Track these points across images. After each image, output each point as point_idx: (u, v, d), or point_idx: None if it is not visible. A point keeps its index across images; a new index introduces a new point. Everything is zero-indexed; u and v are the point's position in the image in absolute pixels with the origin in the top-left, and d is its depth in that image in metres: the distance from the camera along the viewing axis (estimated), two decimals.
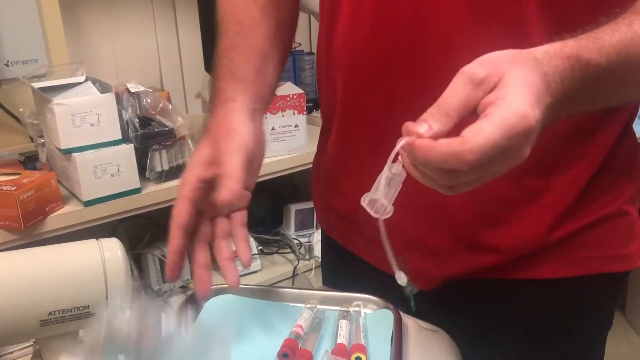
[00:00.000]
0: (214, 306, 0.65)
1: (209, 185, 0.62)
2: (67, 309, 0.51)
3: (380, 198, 0.47)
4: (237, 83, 0.70)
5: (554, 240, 0.66)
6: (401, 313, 0.64)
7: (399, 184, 0.47)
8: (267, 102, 0.75)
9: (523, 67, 0.45)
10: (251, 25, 0.75)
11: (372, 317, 0.63)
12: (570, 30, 0.50)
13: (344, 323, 0.60)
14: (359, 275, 0.77)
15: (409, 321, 0.64)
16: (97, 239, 0.54)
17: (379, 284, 0.71)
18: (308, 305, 0.63)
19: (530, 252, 0.67)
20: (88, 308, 0.52)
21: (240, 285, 0.66)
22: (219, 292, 0.66)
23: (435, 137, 0.42)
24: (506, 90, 0.43)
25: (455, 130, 0.43)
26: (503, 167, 0.45)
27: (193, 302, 0.64)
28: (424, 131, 0.42)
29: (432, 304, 0.73)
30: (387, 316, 0.63)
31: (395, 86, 0.64)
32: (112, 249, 0.53)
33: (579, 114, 0.54)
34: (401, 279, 0.58)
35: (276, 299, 0.65)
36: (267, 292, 0.66)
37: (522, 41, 0.53)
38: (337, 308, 0.64)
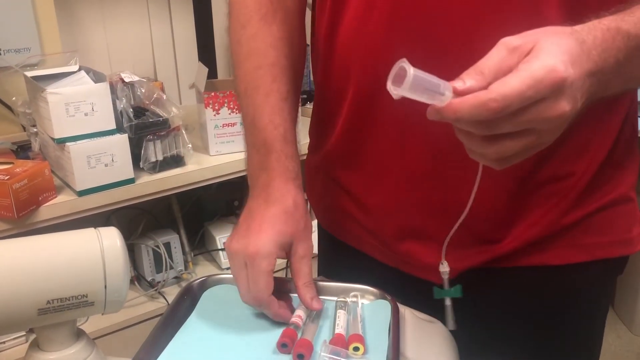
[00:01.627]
0: (211, 296, 0.65)
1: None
2: (66, 298, 0.50)
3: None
4: (291, 148, 0.67)
5: (565, 225, 0.67)
6: (398, 304, 0.64)
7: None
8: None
9: (559, 35, 0.47)
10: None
11: (369, 307, 0.64)
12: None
13: (341, 313, 0.60)
14: (355, 267, 0.77)
15: (406, 312, 0.64)
16: (95, 228, 0.53)
17: (375, 275, 0.71)
18: None
19: (540, 239, 0.68)
20: (87, 297, 0.51)
21: None
22: (216, 282, 0.66)
23: (469, 91, 0.45)
24: (538, 51, 0.45)
25: None
26: (544, 124, 0.46)
27: (190, 292, 0.64)
28: (458, 85, 0.45)
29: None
30: (384, 307, 0.63)
31: None
32: (110, 238, 0.53)
33: (626, 89, 0.55)
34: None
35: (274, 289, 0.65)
36: None
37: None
38: (335, 298, 0.64)
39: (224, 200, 1.79)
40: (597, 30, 0.48)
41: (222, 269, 1.63)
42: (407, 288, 0.72)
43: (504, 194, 0.66)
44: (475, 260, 0.70)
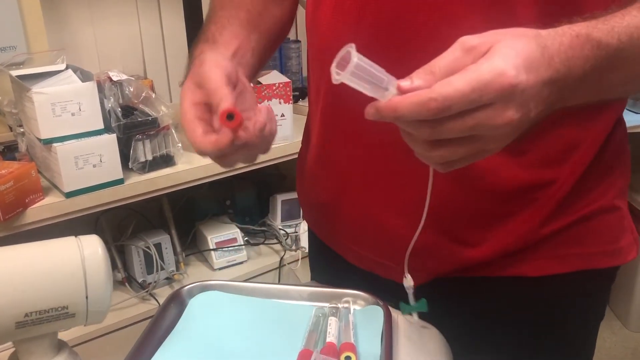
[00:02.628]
0: (198, 303, 0.63)
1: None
2: (45, 310, 0.48)
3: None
4: (213, 44, 0.66)
5: (544, 235, 0.65)
6: (391, 309, 0.62)
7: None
8: (249, 64, 0.69)
9: (520, 38, 0.44)
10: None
11: (361, 313, 0.62)
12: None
13: (333, 321, 0.59)
14: (342, 270, 0.75)
15: (399, 317, 0.63)
16: (76, 236, 0.51)
17: (362, 280, 0.70)
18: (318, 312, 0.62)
19: (519, 248, 0.66)
20: (67, 308, 0.50)
21: (226, 282, 0.65)
22: (204, 288, 0.64)
23: (415, 90, 0.43)
24: (492, 53, 0.42)
25: None
26: (490, 131, 0.44)
27: (177, 299, 0.62)
28: (404, 84, 0.43)
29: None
30: (376, 312, 0.61)
31: None
32: (91, 246, 0.51)
33: (592, 101, 0.53)
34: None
35: (263, 295, 0.64)
36: (253, 289, 0.65)
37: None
38: (326, 304, 0.63)
39: (215, 199, 1.77)
40: (565, 36, 0.46)
41: (215, 269, 1.61)
42: (396, 291, 0.71)
43: (475, 196, 0.64)
44: (450, 264, 0.68)
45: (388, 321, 0.59)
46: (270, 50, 0.78)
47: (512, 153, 0.62)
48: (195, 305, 0.62)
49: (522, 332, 0.70)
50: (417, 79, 0.43)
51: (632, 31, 0.48)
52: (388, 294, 0.69)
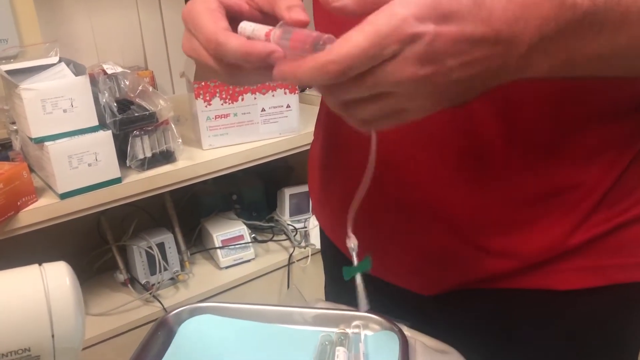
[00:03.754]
0: (189, 330, 0.56)
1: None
2: (3, 354, 0.41)
3: None
4: None
5: (575, 244, 0.58)
6: (408, 332, 0.55)
7: None
8: None
9: None
10: None
11: (374, 340, 0.55)
12: None
13: (341, 351, 0.51)
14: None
15: (417, 343, 0.55)
16: (39, 264, 0.44)
17: (381, 294, 0.63)
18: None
19: (546, 258, 0.59)
20: (29, 350, 0.43)
21: (219, 304, 0.58)
22: (195, 312, 0.57)
23: (343, 10, 0.39)
24: None
25: None
26: (396, 88, 0.38)
27: (164, 326, 0.55)
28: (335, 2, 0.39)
29: (439, 314, 0.66)
30: (391, 338, 0.54)
31: None
32: (57, 276, 0.44)
33: (576, 74, 0.44)
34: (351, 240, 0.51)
35: (262, 318, 0.57)
36: (251, 311, 0.57)
37: None
38: (334, 329, 0.55)
39: (220, 194, 1.70)
40: None
41: (221, 268, 1.55)
42: (413, 303, 0.65)
43: (495, 198, 0.58)
44: (472, 273, 0.62)
45: (404, 349, 0.52)
46: None
47: (534, 153, 0.55)
48: (185, 333, 0.55)
49: (550, 353, 0.63)
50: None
51: None
52: (403, 306, 0.63)
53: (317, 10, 0.66)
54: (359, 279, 0.54)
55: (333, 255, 0.78)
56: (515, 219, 0.59)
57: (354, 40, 0.36)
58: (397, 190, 0.61)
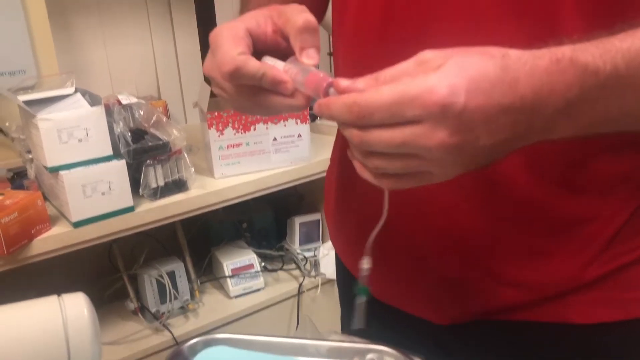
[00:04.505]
0: None
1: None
2: None
3: None
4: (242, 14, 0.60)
5: (593, 276, 0.58)
6: None
7: None
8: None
9: (480, 56, 0.39)
10: None
11: None
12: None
13: None
14: (376, 316, 0.68)
15: None
16: (58, 295, 0.45)
17: (397, 324, 0.63)
18: None
19: (564, 291, 0.59)
20: None
21: (234, 336, 0.58)
22: (210, 343, 0.57)
23: (348, 90, 0.43)
24: (437, 68, 0.40)
25: None
26: (423, 152, 0.40)
27: (179, 356, 0.56)
28: (344, 83, 0.43)
29: (454, 345, 0.65)
30: None
31: None
32: (76, 307, 0.44)
33: (601, 132, 0.45)
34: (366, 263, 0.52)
35: (277, 350, 0.57)
36: (265, 343, 0.57)
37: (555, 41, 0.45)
38: None
39: (231, 222, 1.70)
40: (543, 59, 0.40)
41: (231, 298, 1.55)
42: (429, 334, 0.64)
43: (511, 228, 0.58)
44: (488, 303, 0.61)
45: None
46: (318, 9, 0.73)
47: (551, 183, 0.55)
48: None
49: None
50: (360, 81, 0.43)
51: (634, 56, 0.41)
52: (419, 336, 0.63)
53: (337, 48, 0.68)
54: (360, 299, 0.54)
55: (349, 284, 0.78)
56: (531, 250, 0.58)
57: (382, 92, 0.39)
58: (413, 217, 0.62)
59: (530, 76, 0.39)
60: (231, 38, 0.51)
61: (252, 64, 0.49)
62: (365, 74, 0.60)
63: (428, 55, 0.41)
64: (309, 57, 0.49)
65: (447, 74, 0.38)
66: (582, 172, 0.55)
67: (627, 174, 0.56)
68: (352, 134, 0.42)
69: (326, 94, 0.45)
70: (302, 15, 0.49)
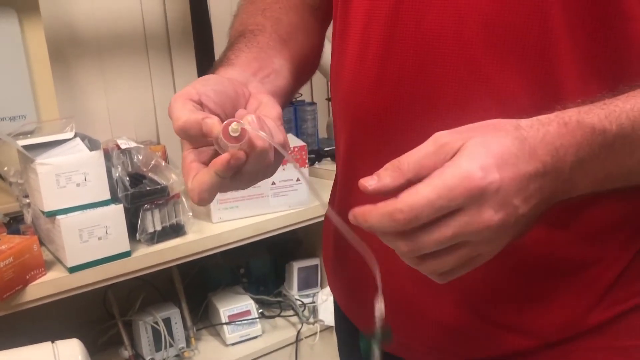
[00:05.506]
0: None
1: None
2: None
3: None
4: (228, 66, 0.60)
5: (594, 324, 0.57)
6: None
7: None
8: (276, 85, 0.62)
9: (495, 133, 0.41)
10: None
11: None
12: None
13: None
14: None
15: None
16: (52, 342, 0.44)
17: None
18: None
19: (565, 338, 0.58)
20: None
21: None
22: None
23: (383, 189, 0.42)
24: (460, 154, 0.41)
25: None
26: (472, 237, 0.41)
27: None
28: (370, 184, 0.42)
29: None
30: None
31: (400, 140, 0.56)
32: (70, 354, 0.43)
33: (614, 187, 0.48)
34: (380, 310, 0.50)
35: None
36: None
37: (550, 84, 0.49)
38: None
39: (228, 267, 1.69)
40: (552, 125, 0.43)
41: (227, 345, 1.51)
42: None
43: (509, 273, 0.57)
44: (484, 349, 0.60)
45: None
46: (299, 79, 0.70)
47: (550, 226, 0.55)
48: None
49: None
50: (384, 175, 0.42)
51: (639, 114, 0.44)
52: None
53: (334, 95, 0.68)
54: (376, 350, 0.53)
55: (348, 331, 0.77)
56: (531, 295, 0.58)
57: (422, 192, 0.40)
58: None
59: (545, 142, 0.42)
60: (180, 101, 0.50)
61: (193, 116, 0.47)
62: (362, 120, 0.61)
63: (445, 138, 0.42)
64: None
65: (475, 156, 0.40)
66: (580, 217, 0.55)
67: (626, 219, 0.56)
68: (400, 245, 0.42)
69: (226, 132, 0.43)
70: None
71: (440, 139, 0.42)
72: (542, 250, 0.56)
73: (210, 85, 0.52)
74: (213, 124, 0.46)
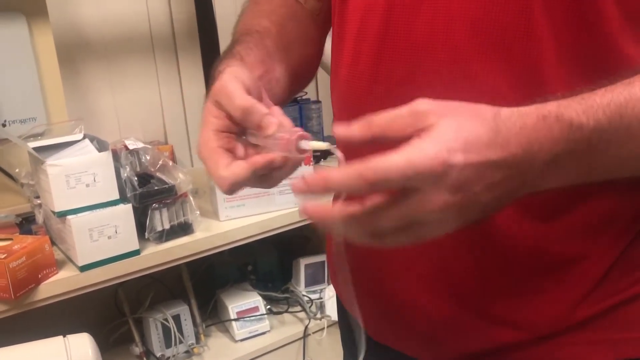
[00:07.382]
0: None
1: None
2: None
3: None
4: (241, 60, 0.62)
5: (583, 318, 0.58)
6: None
7: None
8: (275, 93, 0.64)
9: (472, 119, 0.42)
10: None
11: None
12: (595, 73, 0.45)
13: None
14: (373, 356, 0.68)
15: None
16: (64, 336, 0.46)
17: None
18: None
19: (555, 331, 0.59)
20: None
21: None
22: None
23: (349, 138, 0.43)
24: (431, 132, 0.41)
25: None
26: (426, 215, 0.42)
27: None
28: (340, 129, 0.43)
29: None
30: None
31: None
32: (80, 347, 0.45)
33: (589, 181, 0.48)
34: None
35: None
36: None
37: (536, 84, 0.49)
38: None
39: (236, 265, 1.71)
40: (530, 117, 0.43)
41: (236, 341, 1.54)
42: None
43: (498, 267, 0.58)
44: (476, 342, 0.61)
45: None
46: (294, 89, 0.73)
47: (541, 222, 0.56)
48: None
49: None
50: (354, 126, 0.43)
51: (614, 110, 0.44)
52: None
53: (333, 93, 0.70)
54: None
55: (348, 324, 0.78)
56: (522, 289, 0.59)
57: (393, 159, 0.40)
58: (402, 259, 0.63)
59: (519, 135, 0.42)
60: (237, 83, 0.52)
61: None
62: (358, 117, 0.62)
63: (424, 106, 0.43)
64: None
65: (443, 138, 0.41)
66: (570, 212, 0.56)
67: (616, 214, 0.57)
68: (358, 220, 0.43)
69: (297, 145, 0.46)
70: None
71: (419, 105, 0.43)
72: (532, 245, 0.57)
73: (250, 80, 0.54)
74: (273, 123, 0.49)
